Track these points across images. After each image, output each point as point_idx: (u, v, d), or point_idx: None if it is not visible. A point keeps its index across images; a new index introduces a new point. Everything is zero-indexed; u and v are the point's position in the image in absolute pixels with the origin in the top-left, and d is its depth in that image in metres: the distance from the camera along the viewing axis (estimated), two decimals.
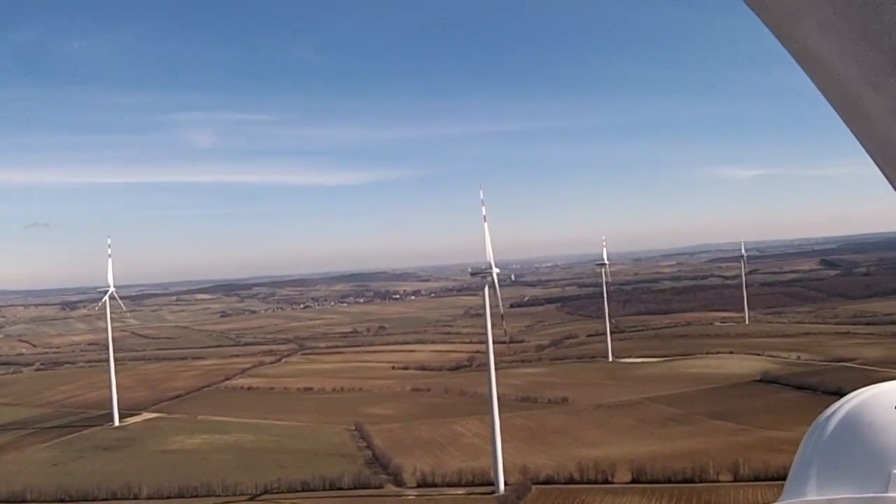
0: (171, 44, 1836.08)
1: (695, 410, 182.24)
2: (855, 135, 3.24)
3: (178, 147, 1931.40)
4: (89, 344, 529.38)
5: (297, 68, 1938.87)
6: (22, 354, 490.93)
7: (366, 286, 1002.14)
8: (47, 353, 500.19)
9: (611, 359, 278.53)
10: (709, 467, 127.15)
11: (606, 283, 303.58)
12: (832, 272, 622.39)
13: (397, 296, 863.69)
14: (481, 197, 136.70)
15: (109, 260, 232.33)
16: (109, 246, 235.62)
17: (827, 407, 4.29)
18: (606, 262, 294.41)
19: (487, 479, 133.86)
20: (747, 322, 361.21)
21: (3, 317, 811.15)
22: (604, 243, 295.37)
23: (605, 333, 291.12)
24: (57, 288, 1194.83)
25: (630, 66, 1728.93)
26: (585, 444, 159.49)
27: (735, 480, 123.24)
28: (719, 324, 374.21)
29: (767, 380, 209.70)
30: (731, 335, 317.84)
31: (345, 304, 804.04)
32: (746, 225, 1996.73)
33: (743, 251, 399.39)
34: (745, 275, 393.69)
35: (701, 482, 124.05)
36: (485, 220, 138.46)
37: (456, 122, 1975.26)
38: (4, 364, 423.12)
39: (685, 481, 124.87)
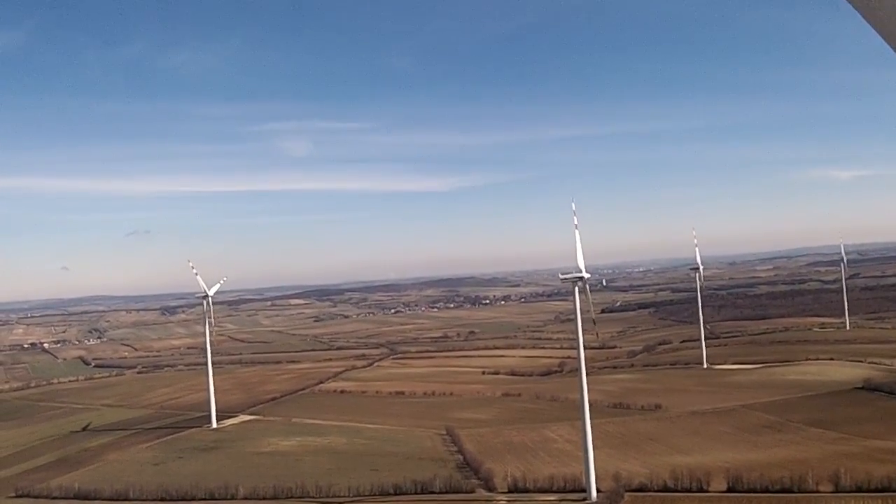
0: (266, 55, 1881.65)
1: (792, 418, 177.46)
2: None
3: (274, 156, 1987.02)
4: (188, 348, 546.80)
5: (387, 77, 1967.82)
6: (125, 358, 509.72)
7: (456, 291, 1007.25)
8: (148, 356, 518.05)
9: (705, 365, 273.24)
10: (808, 477, 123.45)
11: (700, 287, 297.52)
12: None
13: (487, 301, 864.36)
14: (573, 209, 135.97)
15: (220, 283, 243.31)
16: (224, 280, 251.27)
17: None
18: (700, 265, 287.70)
19: (579, 485, 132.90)
20: (848, 328, 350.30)
21: (106, 321, 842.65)
22: (695, 243, 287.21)
23: (699, 339, 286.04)
24: (157, 294, 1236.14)
25: (723, 69, 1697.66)
26: (679, 451, 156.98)
27: (836, 491, 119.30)
28: (818, 329, 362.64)
29: (870, 387, 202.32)
30: (831, 341, 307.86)
31: (435, 309, 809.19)
32: (847, 227, 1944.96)
33: (843, 254, 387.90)
34: (846, 279, 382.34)
35: (800, 492, 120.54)
36: (576, 229, 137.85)
37: (546, 127, 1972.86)
38: (108, 367, 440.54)
39: (783, 491, 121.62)
